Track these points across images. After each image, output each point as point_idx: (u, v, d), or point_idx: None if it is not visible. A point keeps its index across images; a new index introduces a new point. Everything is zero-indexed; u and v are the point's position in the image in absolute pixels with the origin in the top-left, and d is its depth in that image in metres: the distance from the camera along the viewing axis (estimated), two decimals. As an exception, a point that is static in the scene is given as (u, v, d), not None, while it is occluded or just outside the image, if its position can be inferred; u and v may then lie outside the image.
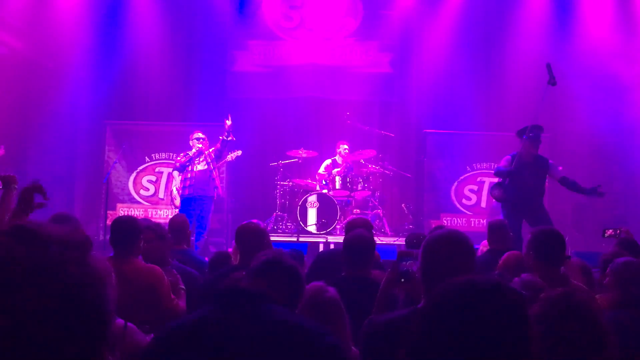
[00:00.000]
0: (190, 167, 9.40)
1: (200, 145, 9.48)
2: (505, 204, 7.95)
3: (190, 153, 9.45)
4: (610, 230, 5.71)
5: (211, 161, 9.46)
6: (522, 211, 7.80)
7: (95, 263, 1.10)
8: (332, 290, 3.08)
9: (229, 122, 9.23)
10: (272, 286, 2.34)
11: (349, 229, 5.12)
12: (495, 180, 8.20)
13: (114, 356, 1.13)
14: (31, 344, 0.98)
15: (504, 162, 7.99)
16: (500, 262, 4.66)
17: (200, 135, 9.61)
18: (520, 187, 7.77)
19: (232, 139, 9.37)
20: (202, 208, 9.37)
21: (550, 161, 8.01)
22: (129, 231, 4.28)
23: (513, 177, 7.76)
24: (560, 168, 8.02)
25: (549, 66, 7.63)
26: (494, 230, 6.07)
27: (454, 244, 2.58)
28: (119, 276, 3.15)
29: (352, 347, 3.04)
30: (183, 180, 9.47)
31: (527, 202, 7.79)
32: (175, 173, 9.69)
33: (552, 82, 7.57)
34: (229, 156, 10.42)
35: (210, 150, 9.50)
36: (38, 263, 1.03)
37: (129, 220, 4.43)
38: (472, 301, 1.47)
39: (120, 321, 3.09)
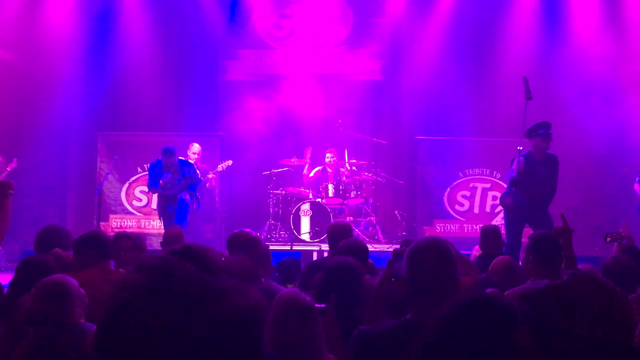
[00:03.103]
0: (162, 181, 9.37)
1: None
2: (510, 210, 7.88)
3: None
4: (612, 235, 5.64)
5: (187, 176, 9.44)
6: (528, 213, 7.65)
7: (257, 296, 1.10)
8: (308, 297, 3.07)
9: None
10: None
11: (333, 236, 5.23)
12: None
13: None
14: None
15: (514, 167, 7.81)
16: (490, 267, 4.70)
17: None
18: (533, 184, 7.65)
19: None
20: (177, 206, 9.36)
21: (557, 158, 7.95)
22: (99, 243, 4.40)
23: (525, 176, 7.60)
24: None
25: (525, 80, 7.67)
26: (486, 236, 6.11)
27: (432, 250, 2.61)
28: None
29: (330, 355, 3.03)
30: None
31: (537, 201, 7.66)
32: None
33: (528, 97, 7.61)
34: (219, 166, 10.42)
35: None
36: (210, 288, 1.04)
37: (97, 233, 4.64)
38: (481, 319, 1.49)
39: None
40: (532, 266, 3.98)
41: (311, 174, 11.29)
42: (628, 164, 10.75)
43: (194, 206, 9.48)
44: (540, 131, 7.80)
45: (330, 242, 5.30)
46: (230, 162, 10.44)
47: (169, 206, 9.30)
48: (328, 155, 11.25)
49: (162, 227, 9.31)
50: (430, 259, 2.57)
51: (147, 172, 10.64)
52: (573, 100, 10.98)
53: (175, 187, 9.26)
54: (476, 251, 6.62)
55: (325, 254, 9.71)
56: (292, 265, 5.81)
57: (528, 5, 12.01)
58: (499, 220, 11.10)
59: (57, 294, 3.16)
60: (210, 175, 10.34)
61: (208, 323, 1.00)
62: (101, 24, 11.98)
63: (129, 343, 0.99)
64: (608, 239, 5.74)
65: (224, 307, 1.03)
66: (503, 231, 7.31)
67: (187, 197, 9.32)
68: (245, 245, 4.51)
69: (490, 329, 1.48)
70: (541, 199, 7.72)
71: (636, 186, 9.60)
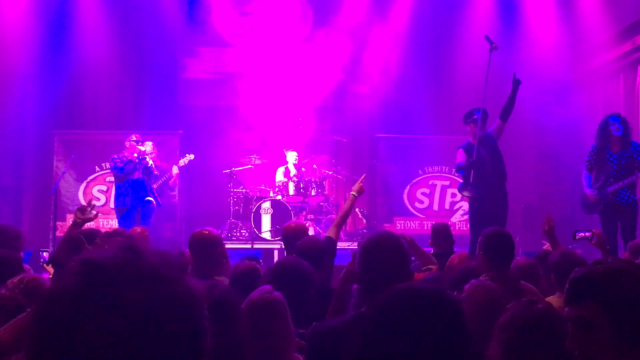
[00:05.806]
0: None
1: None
2: (473, 201, 7.79)
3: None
4: (582, 234, 5.27)
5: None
6: (487, 201, 7.56)
7: (189, 284, 1.09)
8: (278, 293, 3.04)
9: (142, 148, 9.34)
10: None
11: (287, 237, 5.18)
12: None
13: None
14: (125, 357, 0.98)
15: (460, 157, 7.80)
16: (447, 264, 4.71)
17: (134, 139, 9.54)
18: (483, 165, 7.56)
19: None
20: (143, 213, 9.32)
21: (490, 132, 7.84)
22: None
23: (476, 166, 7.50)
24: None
25: (487, 37, 7.91)
26: (436, 234, 6.11)
27: (385, 244, 2.63)
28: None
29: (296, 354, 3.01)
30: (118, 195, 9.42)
31: (491, 189, 7.58)
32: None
33: (494, 47, 7.74)
34: (181, 161, 10.33)
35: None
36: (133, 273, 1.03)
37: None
38: (414, 308, 1.49)
39: None
40: (482, 263, 4.02)
41: (280, 178, 11.19)
42: (583, 161, 10.94)
43: (155, 206, 9.43)
44: (474, 116, 7.70)
45: (286, 243, 5.24)
46: (192, 156, 10.32)
47: (136, 208, 9.25)
48: (289, 153, 11.24)
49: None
50: (383, 253, 2.59)
51: (106, 171, 10.62)
52: (528, 97, 11.14)
53: (143, 181, 9.28)
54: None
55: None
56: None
57: (485, 5, 12.16)
58: (457, 217, 11.27)
59: None
60: (175, 171, 10.20)
61: (139, 313, 1.00)
62: (57, 20, 11.73)
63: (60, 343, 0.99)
64: (577, 237, 5.16)
65: (153, 295, 1.02)
66: (466, 227, 7.31)
67: (154, 201, 9.32)
68: (207, 245, 4.48)
69: (417, 318, 1.49)
70: (497, 184, 7.70)
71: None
